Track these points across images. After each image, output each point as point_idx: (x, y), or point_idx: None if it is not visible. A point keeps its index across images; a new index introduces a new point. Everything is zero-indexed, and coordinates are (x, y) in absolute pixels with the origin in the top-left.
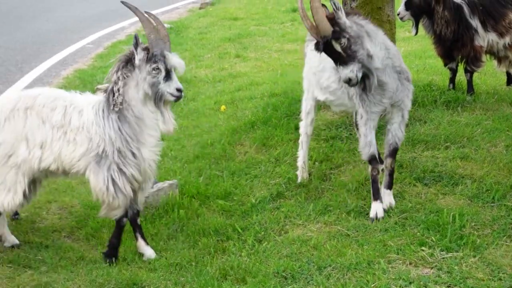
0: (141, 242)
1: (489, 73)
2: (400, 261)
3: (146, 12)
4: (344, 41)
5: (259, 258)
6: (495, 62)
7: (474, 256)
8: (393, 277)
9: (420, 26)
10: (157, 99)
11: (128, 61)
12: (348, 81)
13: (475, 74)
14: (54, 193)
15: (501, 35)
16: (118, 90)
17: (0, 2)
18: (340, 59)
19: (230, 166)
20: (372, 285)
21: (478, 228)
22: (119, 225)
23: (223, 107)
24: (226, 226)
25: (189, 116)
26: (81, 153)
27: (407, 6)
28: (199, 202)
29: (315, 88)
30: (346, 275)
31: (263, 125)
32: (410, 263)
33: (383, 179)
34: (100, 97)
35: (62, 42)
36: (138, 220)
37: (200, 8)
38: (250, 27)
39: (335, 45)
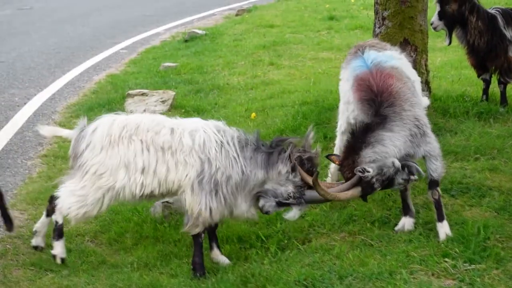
0: (215, 251)
1: None
2: (423, 272)
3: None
4: (376, 185)
5: (281, 266)
6: None
7: (497, 269)
8: (414, 287)
9: (454, 36)
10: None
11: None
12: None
13: (510, 86)
14: None
15: None
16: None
17: (36, 6)
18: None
19: None
20: None
21: (503, 241)
22: (197, 241)
23: (253, 114)
24: (250, 233)
25: None
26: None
27: (441, 15)
28: None
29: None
30: (367, 284)
31: (292, 133)
32: (433, 274)
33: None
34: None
35: (96, 47)
36: (216, 231)
37: (236, 15)
38: (286, 34)
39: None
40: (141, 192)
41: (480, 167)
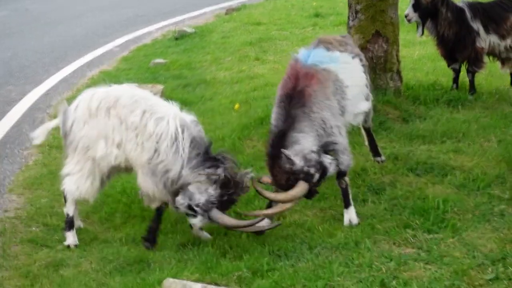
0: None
1: (496, 75)
2: (385, 242)
3: None
4: (314, 179)
5: (257, 239)
6: (499, 64)
7: (453, 237)
8: (376, 255)
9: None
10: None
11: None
12: None
13: (482, 76)
14: None
15: (502, 37)
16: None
17: (31, 7)
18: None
19: (238, 158)
20: (356, 262)
21: (460, 213)
22: (158, 212)
23: (237, 105)
24: (229, 211)
25: (205, 114)
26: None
27: (415, 8)
28: None
29: None
30: (334, 253)
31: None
32: (394, 243)
33: None
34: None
35: (89, 46)
36: None
37: (226, 14)
38: (272, 31)
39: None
40: (116, 162)
41: (445, 149)
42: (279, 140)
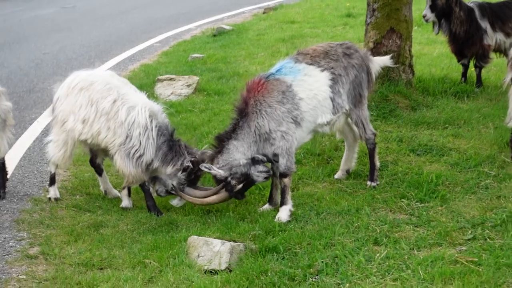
0: (124, 191)
1: (505, 70)
2: (383, 209)
3: None
4: (235, 183)
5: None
6: (506, 60)
7: (442, 206)
8: (374, 219)
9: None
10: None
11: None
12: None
13: (491, 71)
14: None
15: (508, 35)
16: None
17: (79, 4)
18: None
19: None
20: (356, 225)
21: (451, 186)
22: (144, 189)
23: None
24: None
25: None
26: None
27: (432, 8)
28: None
29: None
30: (337, 218)
31: None
32: (390, 211)
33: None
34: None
35: (133, 41)
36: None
37: (263, 13)
38: (305, 29)
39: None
40: (79, 137)
41: (446, 134)
42: (219, 143)
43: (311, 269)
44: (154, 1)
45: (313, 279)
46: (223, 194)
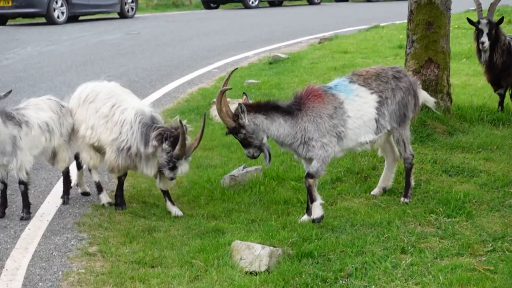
0: (168, 203)
1: None
2: (412, 223)
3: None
4: (241, 135)
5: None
6: None
7: (467, 221)
8: (403, 231)
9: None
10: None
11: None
12: (249, 157)
13: None
14: None
15: None
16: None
17: (143, 31)
18: (241, 143)
19: None
20: (386, 235)
21: (477, 204)
22: (119, 180)
23: None
24: (293, 198)
25: None
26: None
27: (489, 36)
28: (276, 182)
29: None
30: (370, 229)
31: None
32: (419, 224)
33: None
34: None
35: (192, 66)
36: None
37: (319, 43)
38: (357, 59)
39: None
40: (89, 141)
41: (478, 157)
42: (268, 107)
43: (342, 273)
44: (214, 30)
45: (343, 282)
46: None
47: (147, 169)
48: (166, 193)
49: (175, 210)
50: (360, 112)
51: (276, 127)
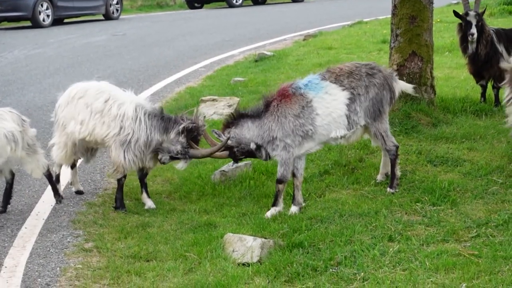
0: (144, 195)
1: None
2: (399, 212)
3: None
4: (237, 153)
5: (301, 210)
6: None
7: (452, 209)
8: (390, 220)
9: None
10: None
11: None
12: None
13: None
14: (159, 170)
15: None
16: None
17: (129, 32)
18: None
19: None
20: (373, 225)
21: (461, 192)
22: (119, 183)
23: None
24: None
25: None
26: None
27: (477, 28)
28: (266, 177)
29: None
30: (358, 219)
31: None
32: (406, 213)
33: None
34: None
35: (179, 66)
36: (145, 180)
37: (303, 40)
38: (341, 55)
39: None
40: (79, 136)
41: (462, 147)
42: (233, 117)
43: (331, 261)
44: (199, 30)
45: (333, 270)
46: (224, 154)
47: (155, 159)
48: (144, 185)
49: (149, 203)
50: (329, 109)
51: (247, 131)
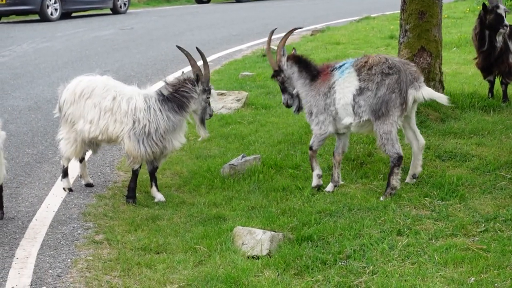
0: (154, 188)
1: None
2: (408, 206)
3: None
4: (279, 78)
5: (310, 204)
6: None
7: (460, 203)
8: (399, 214)
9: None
10: (203, 116)
11: (194, 85)
12: (284, 104)
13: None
14: (169, 163)
15: None
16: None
17: (137, 26)
18: (280, 88)
19: (302, 148)
20: (382, 219)
21: (470, 187)
22: (135, 173)
23: None
24: (292, 185)
25: (280, 116)
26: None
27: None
28: (274, 171)
29: None
30: (367, 213)
31: None
32: (414, 207)
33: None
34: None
35: (187, 60)
36: (155, 174)
37: (311, 35)
38: (349, 50)
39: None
40: (89, 136)
41: (470, 143)
42: (303, 59)
43: (340, 255)
44: (207, 24)
45: (342, 263)
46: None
47: (178, 140)
48: (154, 179)
49: (159, 197)
50: (341, 95)
51: (300, 85)
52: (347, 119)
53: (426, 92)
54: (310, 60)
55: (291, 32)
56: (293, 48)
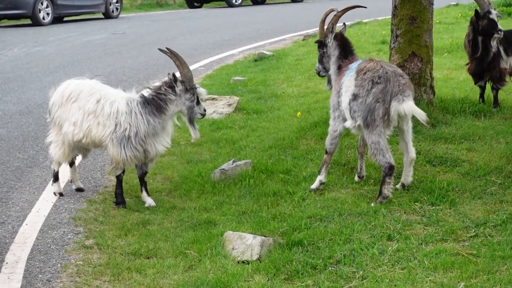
0: (144, 193)
1: None
2: (398, 211)
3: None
4: (320, 51)
5: (300, 209)
6: None
7: (450, 208)
8: (389, 219)
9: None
10: (191, 116)
11: (171, 87)
12: (316, 70)
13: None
14: (159, 168)
15: None
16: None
17: (129, 31)
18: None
19: (293, 153)
20: (372, 224)
21: (460, 192)
22: (118, 179)
23: (298, 113)
24: (282, 190)
25: (271, 120)
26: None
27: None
28: (265, 175)
29: None
30: (357, 218)
31: (324, 125)
32: (405, 212)
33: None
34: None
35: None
36: (145, 178)
37: (303, 40)
38: None
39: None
40: (73, 138)
41: (461, 148)
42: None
43: (331, 260)
44: (199, 29)
45: (332, 268)
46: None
47: (161, 143)
48: (144, 184)
49: (150, 201)
50: (343, 97)
51: (333, 72)
52: (347, 122)
53: (408, 107)
54: (353, 50)
55: (350, 8)
56: (344, 24)
